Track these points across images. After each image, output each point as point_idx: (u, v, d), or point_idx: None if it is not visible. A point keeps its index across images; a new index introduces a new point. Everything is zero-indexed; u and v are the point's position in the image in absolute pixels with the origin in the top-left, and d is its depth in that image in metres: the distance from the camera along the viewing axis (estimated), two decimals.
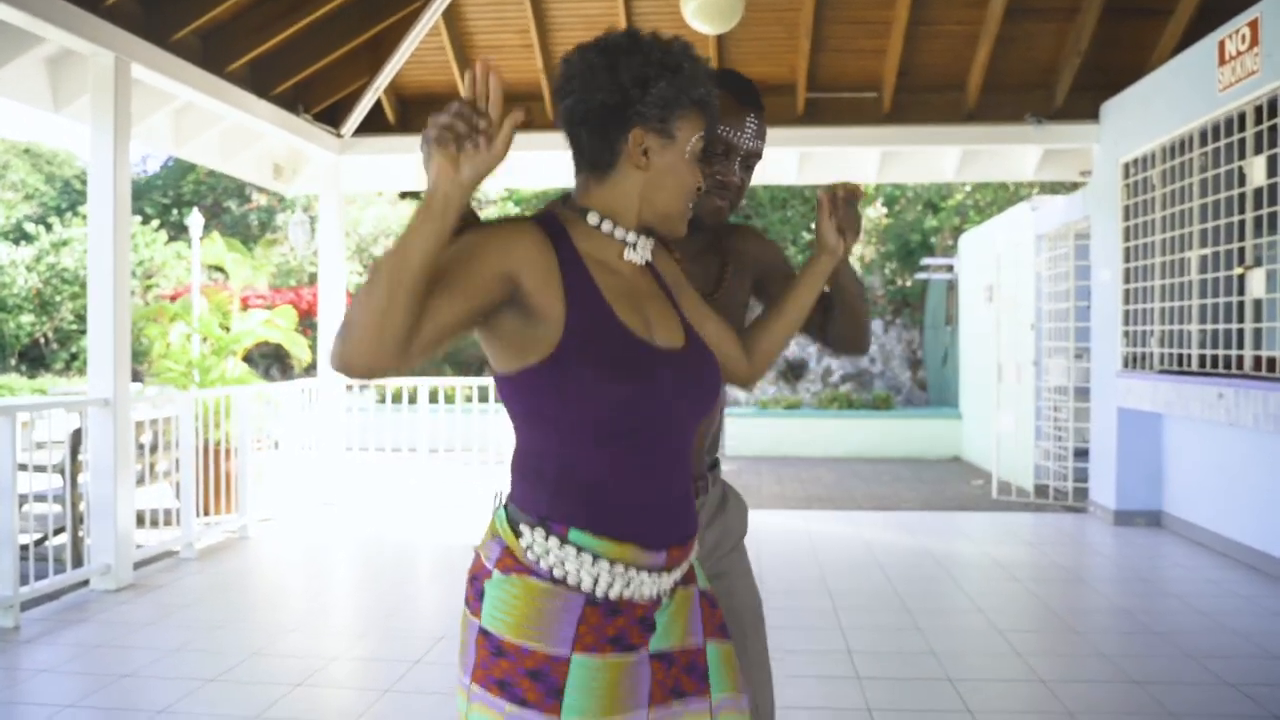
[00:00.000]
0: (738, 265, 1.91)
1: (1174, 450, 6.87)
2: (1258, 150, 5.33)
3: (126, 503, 5.37)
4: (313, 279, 16.51)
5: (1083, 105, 7.38)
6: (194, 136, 7.08)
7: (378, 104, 7.86)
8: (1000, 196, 14.84)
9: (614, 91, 1.39)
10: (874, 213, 16.57)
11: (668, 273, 1.59)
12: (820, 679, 3.01)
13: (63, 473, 5.75)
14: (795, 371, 14.95)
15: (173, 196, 21.15)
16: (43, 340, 18.83)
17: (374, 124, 7.95)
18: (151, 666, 4.00)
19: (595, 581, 1.35)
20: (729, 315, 1.82)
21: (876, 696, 3.63)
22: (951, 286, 12.95)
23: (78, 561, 5.35)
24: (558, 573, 1.35)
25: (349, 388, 8.60)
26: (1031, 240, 8.74)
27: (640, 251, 1.50)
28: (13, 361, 18.60)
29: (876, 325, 15.16)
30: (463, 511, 7.55)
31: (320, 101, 7.51)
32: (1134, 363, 6.84)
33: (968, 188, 15.54)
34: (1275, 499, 5.56)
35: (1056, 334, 8.30)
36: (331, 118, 7.72)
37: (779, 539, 6.49)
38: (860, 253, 16.24)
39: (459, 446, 8.85)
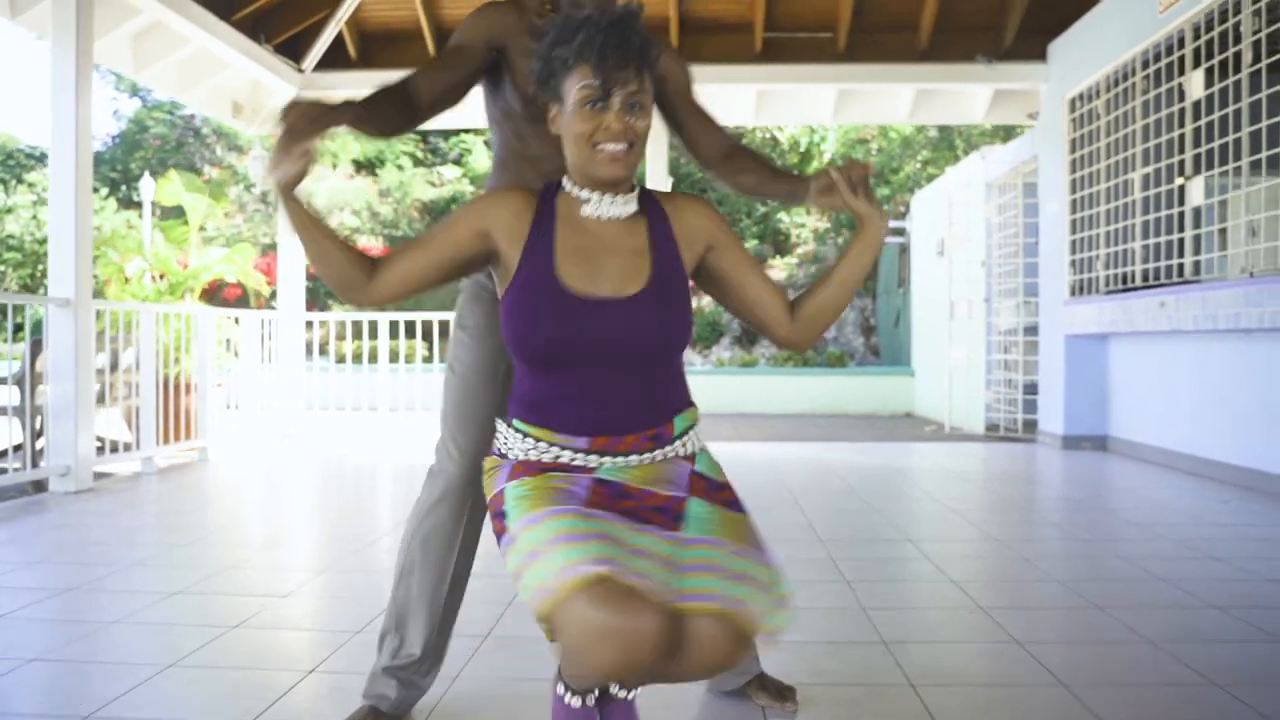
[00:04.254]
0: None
1: (1119, 374, 7.09)
2: (1196, 64, 5.54)
3: (86, 405, 5.35)
4: (265, 249, 16.40)
5: (1031, 46, 7.60)
6: (154, 62, 7.03)
7: (339, 39, 7.87)
8: (950, 163, 15.14)
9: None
10: None
11: (687, 227, 1.74)
12: (807, 584, 3.10)
13: (20, 384, 5.71)
14: (750, 338, 15.12)
15: (122, 171, 20.86)
16: None
17: (336, 60, 7.96)
18: (112, 557, 4.01)
19: (524, 450, 1.66)
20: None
21: (867, 598, 3.69)
22: (903, 250, 13.19)
23: (36, 465, 5.32)
24: (503, 449, 1.70)
25: (309, 324, 8.57)
26: (982, 188, 8.96)
27: (597, 207, 1.68)
28: None
29: None
30: (422, 449, 7.56)
31: (282, 33, 7.50)
32: (1081, 289, 7.06)
33: (919, 160, 15.84)
34: (1210, 405, 5.78)
35: (1006, 275, 8.52)
36: (293, 51, 7.71)
37: (742, 464, 6.61)
38: (814, 224, 16.49)
39: (419, 406, 8.86)
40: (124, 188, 20.35)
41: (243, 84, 7.96)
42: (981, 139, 13.13)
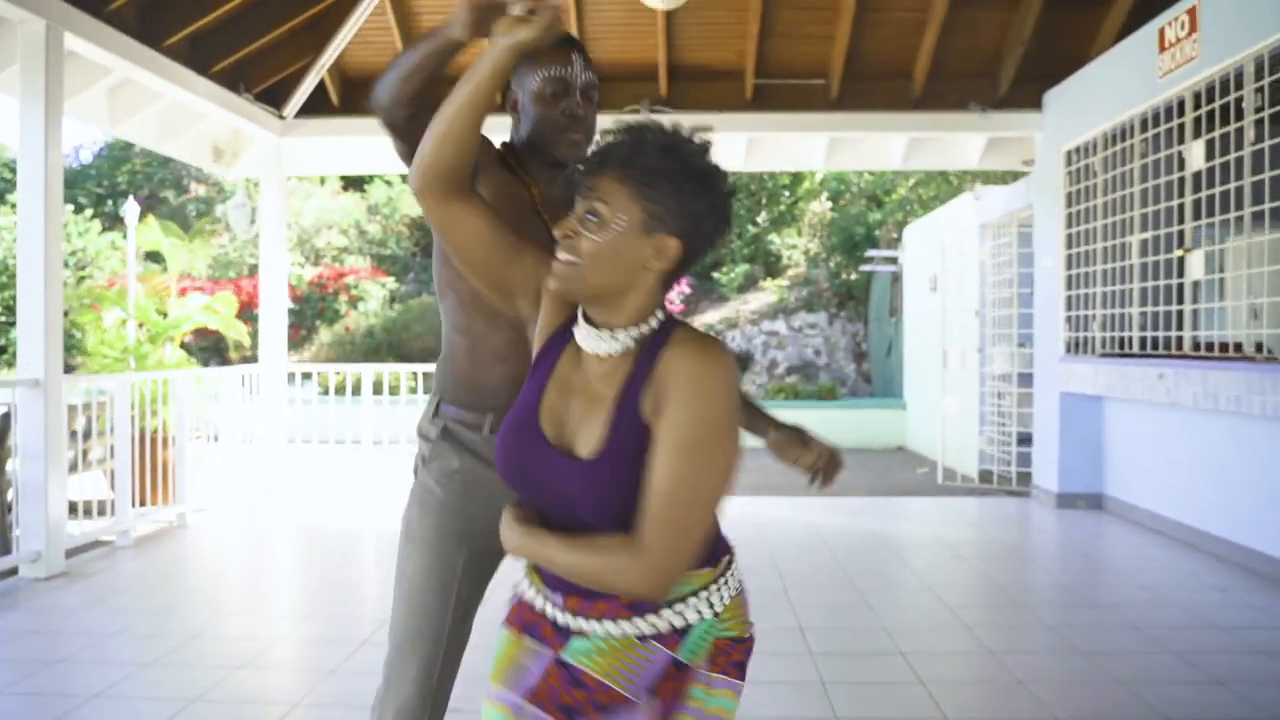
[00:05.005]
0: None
1: (1115, 434, 6.98)
2: (1196, 135, 5.43)
3: (58, 487, 5.19)
4: (253, 270, 16.21)
5: (1026, 94, 7.48)
6: (131, 115, 6.87)
7: (321, 85, 7.71)
8: (944, 190, 15.03)
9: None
10: (818, 206, 16.69)
11: (663, 377, 1.37)
12: (773, 655, 3.01)
13: None
14: (741, 363, 14.98)
15: (107, 186, 20.64)
16: None
17: (317, 106, 7.80)
18: (85, 652, 3.87)
19: (523, 584, 1.53)
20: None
21: (830, 670, 3.63)
22: (896, 279, 13.07)
23: (6, 549, 5.17)
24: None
25: (290, 376, 8.43)
26: (975, 229, 8.85)
27: (583, 336, 1.44)
28: None
29: (821, 318, 15.26)
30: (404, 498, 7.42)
31: (262, 81, 7.35)
32: (1076, 347, 6.94)
33: (911, 182, 15.73)
34: (1210, 478, 5.67)
35: (1000, 322, 8.41)
36: (273, 98, 7.55)
37: (727, 525, 6.46)
38: (805, 246, 16.36)
39: (403, 438, 8.71)
40: (110, 202, 20.11)
41: (223, 130, 7.80)
42: (976, 175, 13.02)
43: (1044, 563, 5.68)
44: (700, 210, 1.38)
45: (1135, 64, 6.06)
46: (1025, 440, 8.04)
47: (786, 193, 16.97)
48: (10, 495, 5.41)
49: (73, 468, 6.41)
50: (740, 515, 6.79)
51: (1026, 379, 8.05)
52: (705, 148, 1.41)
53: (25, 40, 5.07)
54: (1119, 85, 6.27)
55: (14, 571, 5.08)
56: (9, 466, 5.49)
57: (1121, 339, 6.32)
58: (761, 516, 6.76)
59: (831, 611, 4.48)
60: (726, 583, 1.51)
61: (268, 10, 6.72)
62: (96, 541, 5.83)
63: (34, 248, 5.11)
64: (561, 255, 1.40)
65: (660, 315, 1.42)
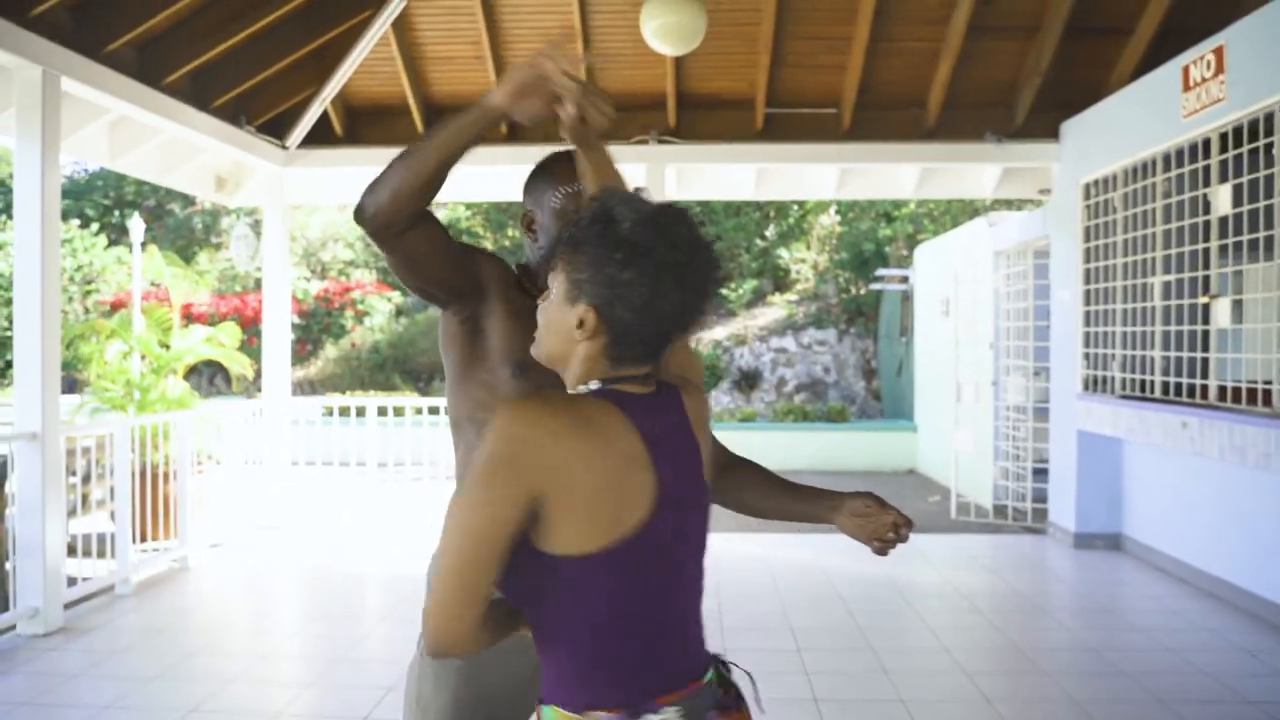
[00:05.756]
0: None
1: (1134, 474, 6.84)
2: (1223, 178, 5.27)
3: (56, 542, 5.08)
4: (258, 284, 16.12)
5: (1043, 124, 7.33)
6: (131, 149, 6.77)
7: (324, 115, 7.59)
8: (954, 206, 14.88)
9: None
10: (827, 220, 16.55)
11: None
12: None
13: None
14: (749, 381, 14.85)
15: (114, 198, 20.57)
16: None
17: (321, 136, 7.68)
18: None
19: None
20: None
21: None
22: (906, 297, 12.92)
23: (4, 604, 5.05)
24: None
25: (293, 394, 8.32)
26: (989, 257, 8.70)
27: None
28: None
29: (831, 335, 15.12)
30: (411, 535, 7.32)
31: (264, 113, 7.23)
32: (1094, 385, 6.80)
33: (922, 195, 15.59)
34: (1237, 527, 5.53)
35: (1015, 352, 8.26)
36: (276, 129, 7.44)
37: (737, 567, 6.34)
38: (814, 260, 16.22)
39: (408, 460, 8.61)
40: (116, 213, 20.03)
41: (225, 161, 7.69)
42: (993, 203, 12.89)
43: (1064, 619, 5.53)
44: (624, 281, 1.34)
45: (1158, 100, 5.91)
46: (1041, 473, 7.90)
47: (795, 207, 16.86)
48: (7, 546, 5.31)
49: (73, 511, 6.32)
50: (750, 557, 6.70)
51: (1042, 411, 7.91)
52: (644, 219, 1.36)
53: (22, 86, 4.97)
54: (1140, 121, 6.12)
55: (12, 628, 4.97)
56: (6, 515, 5.39)
57: (1142, 381, 6.16)
58: (772, 561, 6.62)
59: (846, 680, 4.34)
60: None
61: (271, 42, 6.60)
62: (98, 590, 5.71)
63: (31, 294, 4.99)
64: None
65: (596, 385, 1.39)
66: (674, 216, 1.37)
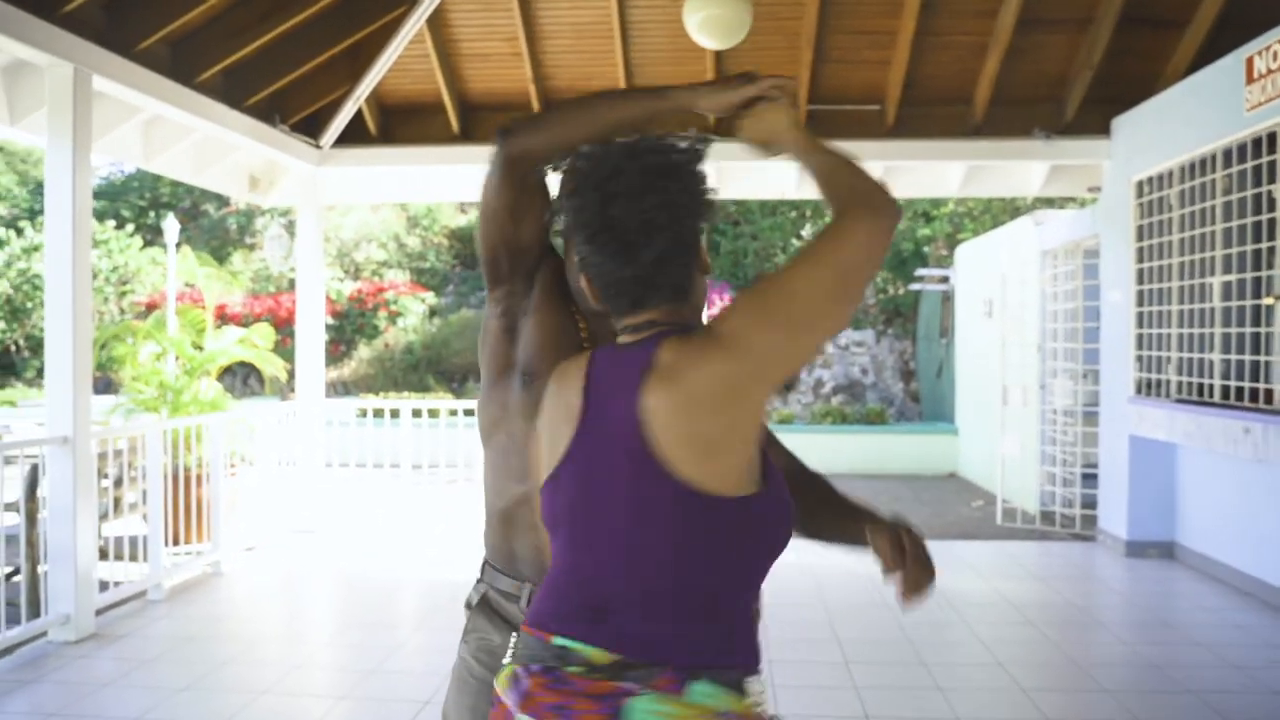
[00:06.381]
0: None
1: (1188, 480, 6.60)
2: None
3: (87, 547, 5.01)
4: (292, 284, 16.13)
5: (1093, 120, 7.10)
6: (164, 149, 6.70)
7: (358, 114, 7.50)
8: (994, 205, 14.61)
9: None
10: None
11: None
12: None
13: (19, 512, 5.38)
14: (786, 382, 14.65)
15: (150, 198, 20.69)
16: (13, 348, 18.26)
17: (355, 135, 7.59)
18: None
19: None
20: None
21: None
22: (946, 298, 12.69)
23: (35, 610, 4.98)
24: None
25: (328, 393, 8.24)
26: (1036, 256, 8.48)
27: None
28: None
29: (869, 336, 14.89)
30: (446, 539, 7.21)
31: (298, 111, 7.15)
32: (1147, 389, 6.57)
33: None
34: None
35: (1063, 354, 8.03)
36: (310, 128, 7.35)
37: (781, 574, 6.15)
38: None
39: (443, 463, 8.51)
40: (152, 214, 20.12)
41: (258, 161, 7.62)
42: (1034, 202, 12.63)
43: (1121, 632, 5.33)
44: (576, 241, 1.50)
45: (1217, 94, 5.68)
46: (1090, 478, 7.66)
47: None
48: (39, 552, 5.23)
49: (105, 515, 6.27)
50: (795, 566, 6.51)
51: (1091, 415, 7.68)
52: (570, 172, 1.52)
53: (53, 84, 4.89)
54: (1198, 115, 5.90)
55: (43, 635, 4.90)
56: (38, 520, 5.32)
57: (1200, 385, 5.93)
58: (817, 569, 6.44)
59: (899, 696, 4.18)
60: None
61: (304, 41, 6.50)
62: (131, 596, 5.63)
63: (61, 297, 4.92)
64: None
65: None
66: (595, 159, 1.48)
